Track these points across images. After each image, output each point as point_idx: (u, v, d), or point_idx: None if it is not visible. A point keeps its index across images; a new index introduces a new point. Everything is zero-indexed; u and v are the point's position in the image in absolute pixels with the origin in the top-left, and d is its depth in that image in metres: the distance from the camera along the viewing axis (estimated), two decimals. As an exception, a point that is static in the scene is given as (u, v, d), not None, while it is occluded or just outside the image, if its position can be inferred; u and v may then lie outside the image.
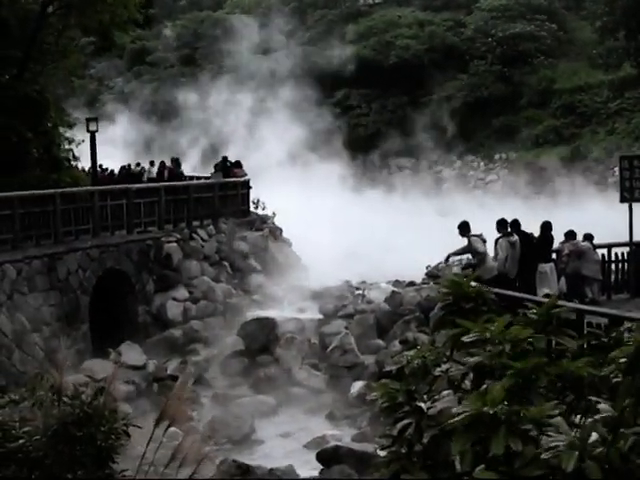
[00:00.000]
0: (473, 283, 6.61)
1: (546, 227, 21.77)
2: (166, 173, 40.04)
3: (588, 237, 23.38)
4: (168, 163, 41.36)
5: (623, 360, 5.29)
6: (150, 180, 39.54)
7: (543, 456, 4.41)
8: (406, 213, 45.44)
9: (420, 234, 38.48)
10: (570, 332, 5.94)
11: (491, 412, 4.63)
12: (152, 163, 42.82)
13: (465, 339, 5.50)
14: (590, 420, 4.71)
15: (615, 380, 5.34)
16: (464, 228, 21.24)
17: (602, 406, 4.81)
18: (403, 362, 6.07)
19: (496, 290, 12.39)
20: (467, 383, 5.61)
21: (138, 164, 43.81)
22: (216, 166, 40.01)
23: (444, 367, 5.84)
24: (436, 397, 5.68)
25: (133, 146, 63.12)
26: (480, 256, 21.10)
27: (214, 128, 63.69)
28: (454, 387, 5.68)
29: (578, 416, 5.55)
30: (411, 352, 6.15)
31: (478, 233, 21.15)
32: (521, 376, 5.06)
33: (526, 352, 5.28)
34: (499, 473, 4.55)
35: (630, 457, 4.35)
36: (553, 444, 4.42)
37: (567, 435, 4.49)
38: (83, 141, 36.91)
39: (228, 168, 39.57)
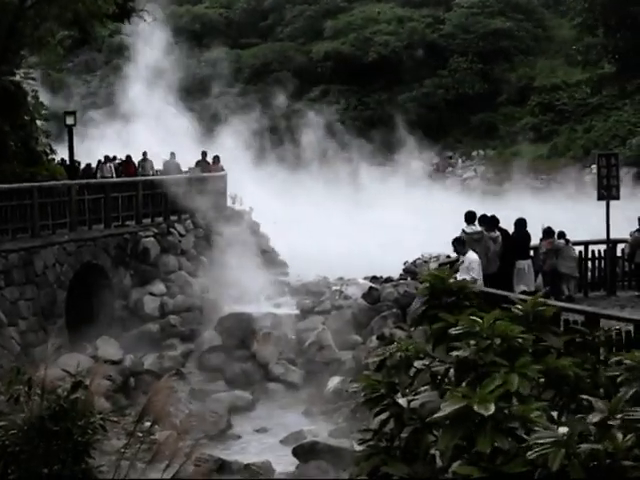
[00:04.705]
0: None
1: (520, 224, 21.71)
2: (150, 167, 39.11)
3: (562, 235, 23.44)
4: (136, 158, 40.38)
5: (629, 363, 5.30)
6: (104, 178, 36.91)
7: (529, 454, 4.39)
8: (383, 209, 45.44)
9: (397, 230, 38.51)
10: (555, 329, 5.94)
11: (482, 412, 4.60)
12: (107, 159, 39.74)
13: (452, 331, 5.48)
14: (579, 417, 4.70)
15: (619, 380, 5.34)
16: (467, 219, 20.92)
17: (597, 405, 4.79)
18: (385, 355, 6.05)
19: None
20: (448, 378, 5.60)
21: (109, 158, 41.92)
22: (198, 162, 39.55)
23: (426, 361, 5.83)
24: (418, 390, 5.66)
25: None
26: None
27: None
28: (436, 381, 5.66)
29: (556, 413, 5.56)
30: (392, 346, 6.13)
31: (477, 229, 20.80)
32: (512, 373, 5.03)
33: (515, 349, 5.26)
34: (481, 468, 4.54)
35: (618, 456, 4.34)
36: (539, 441, 4.40)
37: (553, 432, 4.47)
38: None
39: (207, 163, 39.34)
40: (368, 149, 65.78)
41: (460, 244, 18.89)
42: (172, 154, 38.89)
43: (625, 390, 5.09)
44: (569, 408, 5.58)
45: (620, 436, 4.43)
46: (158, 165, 39.27)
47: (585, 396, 5.29)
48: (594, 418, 4.60)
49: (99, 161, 41.27)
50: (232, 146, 49.20)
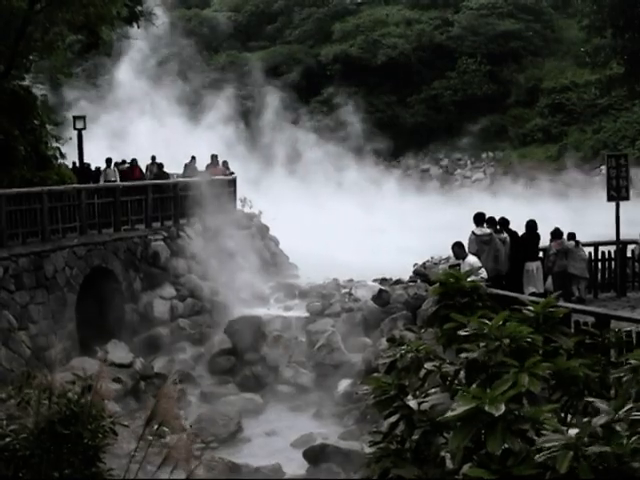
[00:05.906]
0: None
1: (531, 225, 21.70)
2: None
3: (571, 236, 23.42)
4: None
5: (634, 362, 5.28)
6: (107, 182, 35.52)
7: (538, 457, 4.38)
8: (393, 211, 45.48)
9: (406, 232, 38.53)
10: (565, 330, 5.91)
11: (493, 412, 4.58)
12: (109, 162, 37.36)
13: (461, 333, 5.47)
14: (587, 419, 4.68)
15: (626, 380, 5.32)
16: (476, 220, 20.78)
17: (602, 407, 4.78)
18: (395, 356, 6.03)
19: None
20: (458, 380, 5.59)
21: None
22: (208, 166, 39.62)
23: (437, 362, 5.81)
24: (428, 392, 5.65)
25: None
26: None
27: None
28: (446, 383, 5.65)
29: (569, 415, 5.55)
30: (402, 347, 6.12)
31: (486, 231, 20.69)
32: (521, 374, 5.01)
33: (525, 349, 5.25)
34: (491, 471, 4.52)
35: (625, 458, 4.33)
36: (548, 444, 4.39)
37: (562, 434, 4.46)
38: (70, 139, 36.70)
39: (216, 166, 39.39)
40: (377, 151, 65.82)
41: (460, 248, 18.67)
42: (153, 157, 38.92)
43: (634, 392, 5.07)
44: (577, 409, 5.56)
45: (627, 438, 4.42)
46: (170, 169, 39.19)
47: (592, 399, 5.28)
48: (601, 420, 4.58)
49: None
50: (241, 151, 49.37)
